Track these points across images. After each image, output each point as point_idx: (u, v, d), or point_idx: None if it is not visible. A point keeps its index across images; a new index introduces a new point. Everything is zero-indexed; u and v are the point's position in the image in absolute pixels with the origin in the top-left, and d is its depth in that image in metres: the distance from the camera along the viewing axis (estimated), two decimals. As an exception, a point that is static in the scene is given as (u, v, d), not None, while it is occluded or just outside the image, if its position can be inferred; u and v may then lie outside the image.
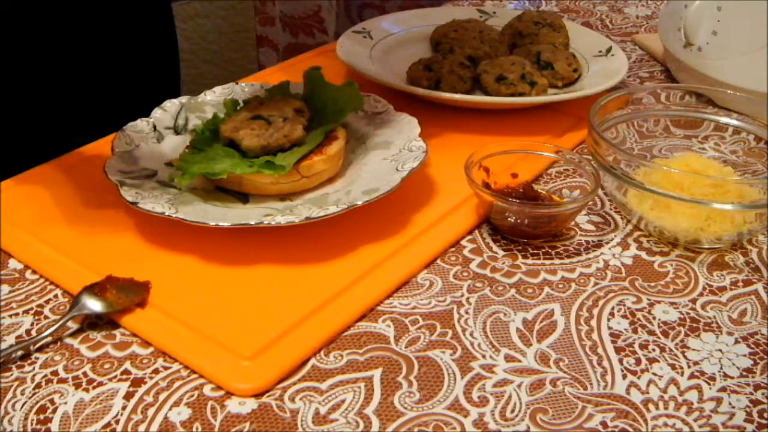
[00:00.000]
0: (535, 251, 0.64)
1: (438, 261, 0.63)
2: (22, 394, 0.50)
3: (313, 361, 0.53)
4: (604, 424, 0.49)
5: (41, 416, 0.49)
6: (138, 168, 0.67)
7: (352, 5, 1.24)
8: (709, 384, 0.52)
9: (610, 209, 0.70)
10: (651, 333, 0.56)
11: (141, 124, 0.73)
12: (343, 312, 0.57)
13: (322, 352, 0.54)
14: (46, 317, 0.57)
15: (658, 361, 0.54)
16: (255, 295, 0.58)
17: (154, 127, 0.73)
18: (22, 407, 0.49)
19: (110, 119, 0.76)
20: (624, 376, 0.52)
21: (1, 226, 0.64)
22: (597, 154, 0.66)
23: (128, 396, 0.50)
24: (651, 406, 0.50)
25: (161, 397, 0.50)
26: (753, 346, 0.55)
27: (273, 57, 1.61)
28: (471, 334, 0.56)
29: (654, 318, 0.58)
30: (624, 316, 0.58)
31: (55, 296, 0.59)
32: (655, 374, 0.53)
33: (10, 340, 0.54)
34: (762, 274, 0.63)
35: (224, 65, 1.86)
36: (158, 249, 0.62)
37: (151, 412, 0.49)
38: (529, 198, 0.65)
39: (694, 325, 0.57)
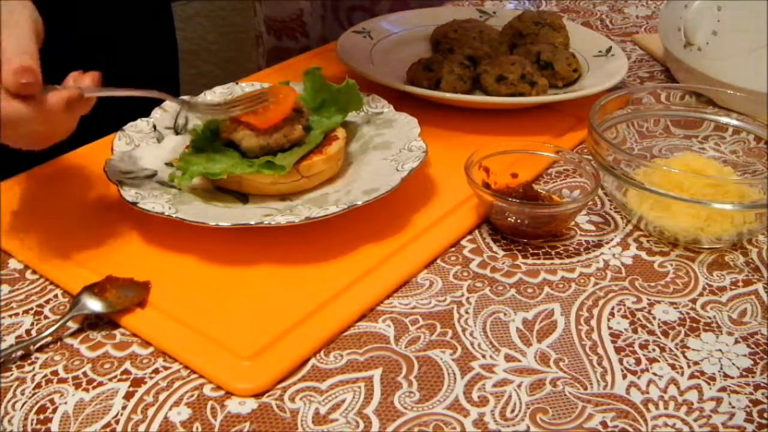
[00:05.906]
0: (535, 251, 0.64)
1: (438, 261, 0.63)
2: (22, 394, 0.50)
3: (313, 361, 0.53)
4: (604, 424, 0.49)
5: (41, 416, 0.49)
6: (138, 168, 0.67)
7: (341, 7, 1.23)
8: (709, 384, 0.52)
9: (610, 209, 0.70)
10: (651, 333, 0.56)
11: (141, 124, 0.73)
12: (343, 312, 0.57)
13: (322, 352, 0.54)
14: (46, 317, 0.57)
15: (658, 361, 0.54)
16: (255, 295, 0.58)
17: (154, 127, 0.73)
18: (22, 407, 0.49)
19: (110, 119, 0.76)
20: (624, 376, 0.52)
21: (1, 226, 0.64)
22: (597, 154, 0.66)
23: (128, 396, 0.50)
24: (651, 406, 0.50)
25: (161, 397, 0.50)
26: (753, 346, 0.55)
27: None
28: (471, 334, 0.56)
29: (654, 318, 0.58)
30: (624, 316, 0.58)
31: (55, 296, 0.59)
32: (655, 374, 0.53)
33: (10, 340, 0.55)
34: (762, 274, 0.63)
35: (224, 65, 1.86)
36: (158, 249, 0.63)
37: (151, 412, 0.49)
38: (529, 198, 0.65)
39: (694, 325, 0.57)
